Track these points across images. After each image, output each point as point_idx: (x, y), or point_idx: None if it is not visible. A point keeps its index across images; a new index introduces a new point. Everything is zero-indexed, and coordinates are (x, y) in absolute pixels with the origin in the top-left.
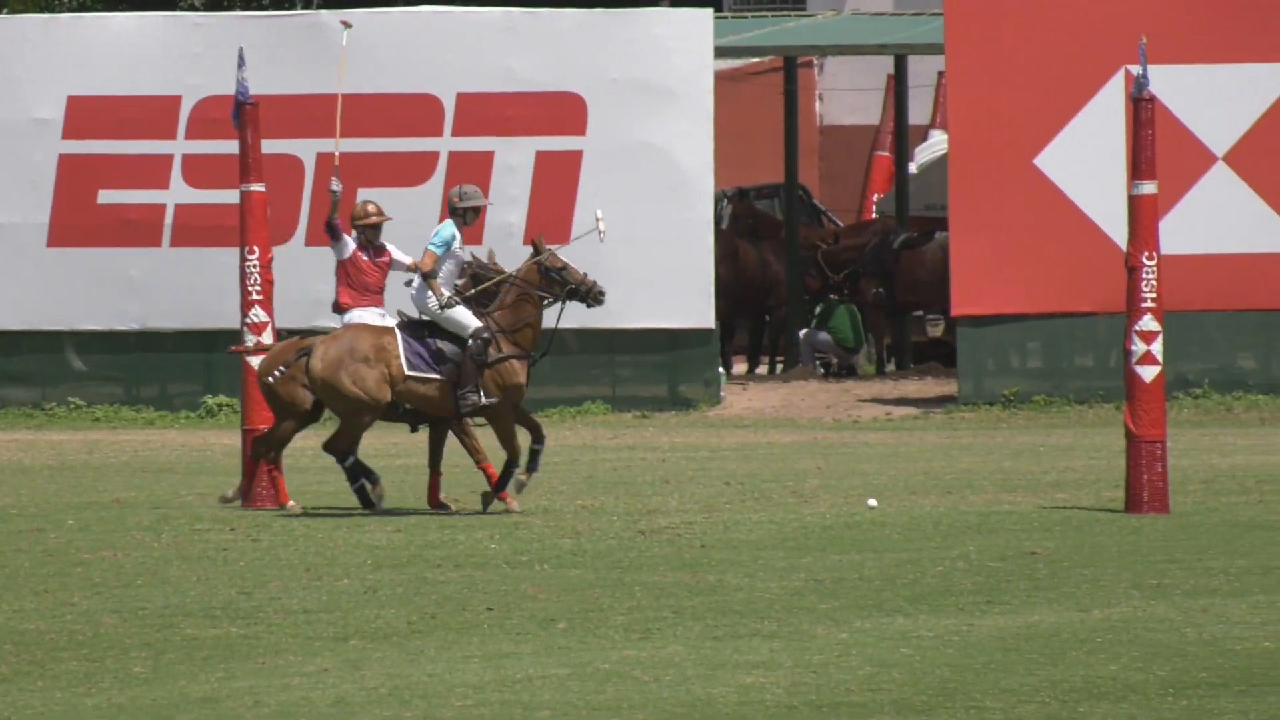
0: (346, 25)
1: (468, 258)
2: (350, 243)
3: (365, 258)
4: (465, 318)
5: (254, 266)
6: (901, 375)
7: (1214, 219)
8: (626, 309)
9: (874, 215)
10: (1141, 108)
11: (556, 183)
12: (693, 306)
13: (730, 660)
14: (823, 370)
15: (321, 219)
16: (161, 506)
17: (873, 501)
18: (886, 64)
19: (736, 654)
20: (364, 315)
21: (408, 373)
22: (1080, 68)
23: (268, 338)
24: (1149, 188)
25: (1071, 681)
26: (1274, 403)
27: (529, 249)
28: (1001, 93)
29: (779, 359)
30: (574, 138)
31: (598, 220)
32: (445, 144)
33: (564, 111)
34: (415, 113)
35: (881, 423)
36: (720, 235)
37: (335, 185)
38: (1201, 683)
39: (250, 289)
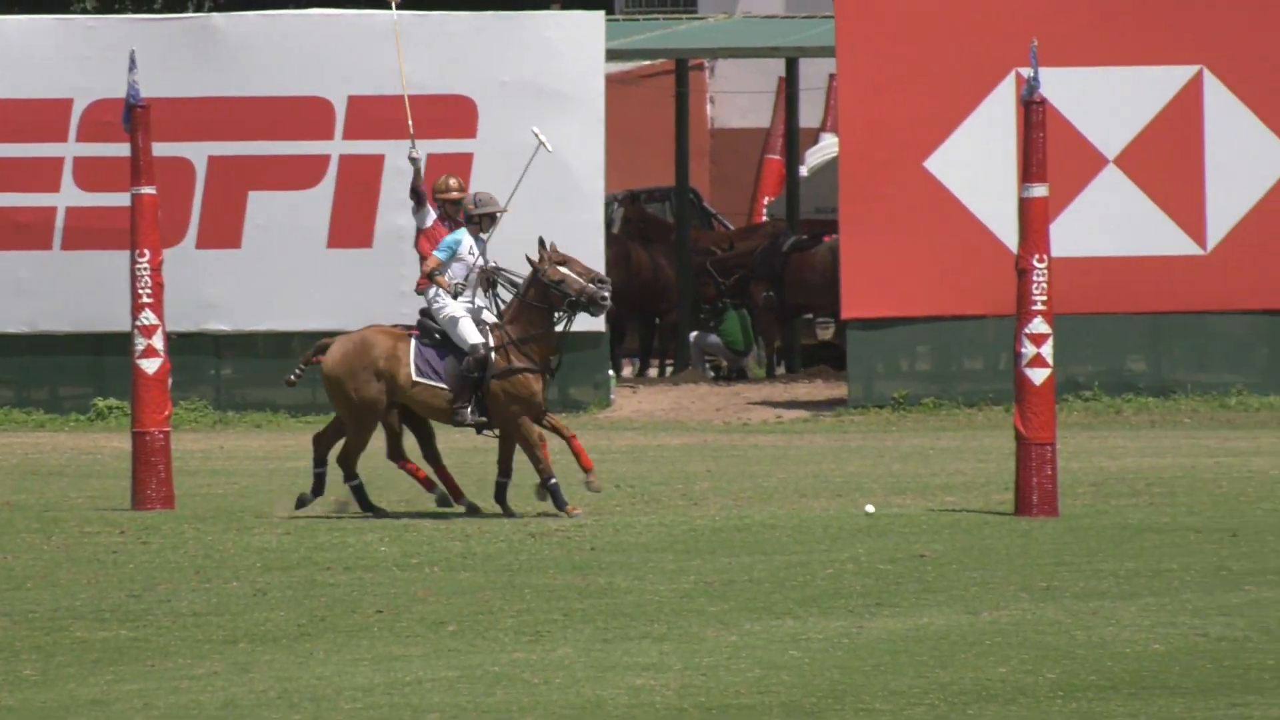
0: (395, 6)
1: (485, 263)
2: (432, 213)
3: (446, 229)
4: (468, 331)
5: (144, 269)
6: (791, 378)
7: (1105, 222)
8: None
9: (764, 218)
10: (1032, 110)
11: None
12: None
13: (620, 663)
14: (713, 373)
15: (214, 221)
16: (51, 509)
17: (870, 508)
18: (778, 67)
19: (626, 656)
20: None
21: (415, 379)
22: (971, 70)
23: (158, 341)
24: (1040, 190)
25: (961, 684)
26: (1163, 405)
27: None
28: (892, 96)
29: (669, 362)
30: (465, 140)
31: (536, 136)
32: (336, 147)
33: (454, 114)
34: (306, 116)
35: (771, 426)
36: (613, 239)
37: (415, 152)
38: (1091, 685)
39: (140, 292)
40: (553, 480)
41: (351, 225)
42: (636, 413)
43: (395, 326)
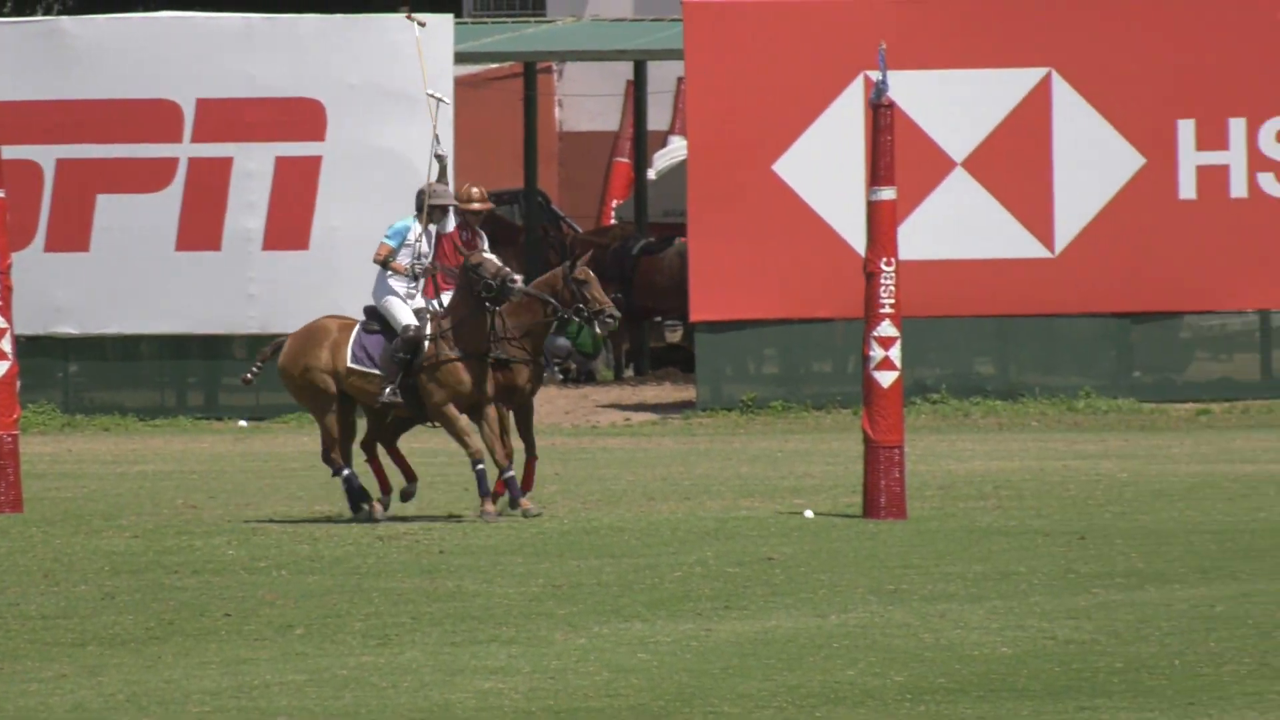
0: (419, 23)
1: (429, 256)
2: (452, 218)
3: (464, 238)
4: (400, 312)
5: None
6: (640, 381)
7: (953, 225)
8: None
9: (613, 221)
10: (880, 113)
11: (296, 188)
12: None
13: (468, 666)
14: (561, 376)
15: (62, 224)
16: None
17: (809, 513)
18: (626, 70)
19: (475, 660)
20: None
21: (350, 365)
22: (819, 73)
23: (6, 344)
24: (887, 193)
25: (809, 687)
26: (1011, 408)
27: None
28: (740, 98)
29: None
30: (313, 143)
31: (431, 96)
32: (185, 150)
33: (303, 117)
34: (154, 118)
35: (620, 428)
36: None
37: (439, 150)
38: (939, 688)
39: None
40: (480, 466)
41: (200, 228)
42: None
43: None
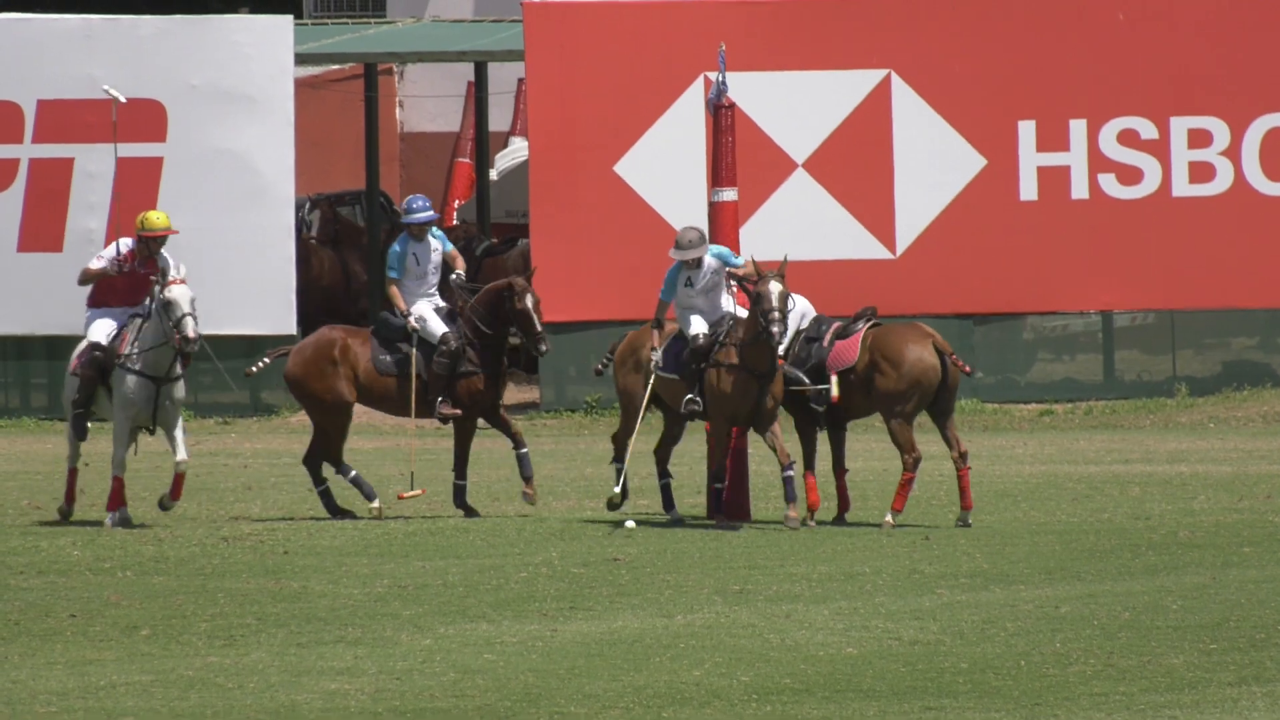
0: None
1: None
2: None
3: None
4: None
5: None
6: None
7: (794, 226)
8: (207, 315)
9: (455, 222)
10: (721, 115)
11: (137, 189)
12: (274, 313)
13: (314, 667)
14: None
15: None
16: None
17: (630, 523)
18: (467, 71)
19: (320, 661)
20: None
21: (660, 373)
22: (660, 75)
23: None
24: (729, 194)
25: (655, 687)
26: None
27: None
28: (582, 99)
29: None
30: (154, 144)
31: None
32: (26, 151)
33: (144, 118)
34: None
35: None
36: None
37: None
38: (785, 688)
39: None
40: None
41: (42, 229)
42: None
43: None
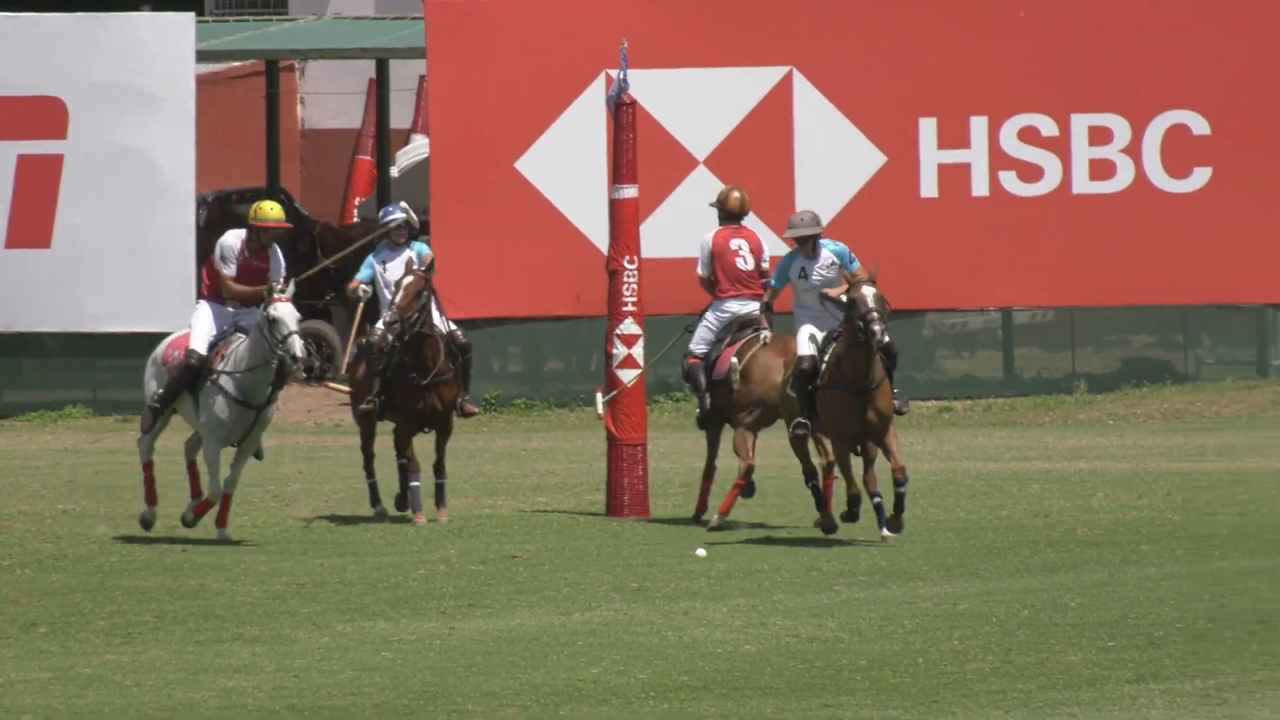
0: None
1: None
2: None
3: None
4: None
5: None
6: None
7: (696, 223)
8: (107, 312)
9: (356, 219)
10: (622, 112)
11: (37, 186)
12: (174, 310)
13: (212, 665)
14: (304, 374)
15: None
16: None
17: (701, 551)
18: (368, 68)
19: (218, 658)
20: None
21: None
22: (562, 72)
23: None
24: (629, 191)
25: (553, 684)
26: None
27: None
28: (483, 97)
29: None
30: (54, 141)
31: None
32: None
33: (44, 115)
34: None
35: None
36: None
37: None
38: (683, 685)
39: None
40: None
41: None
42: None
43: None
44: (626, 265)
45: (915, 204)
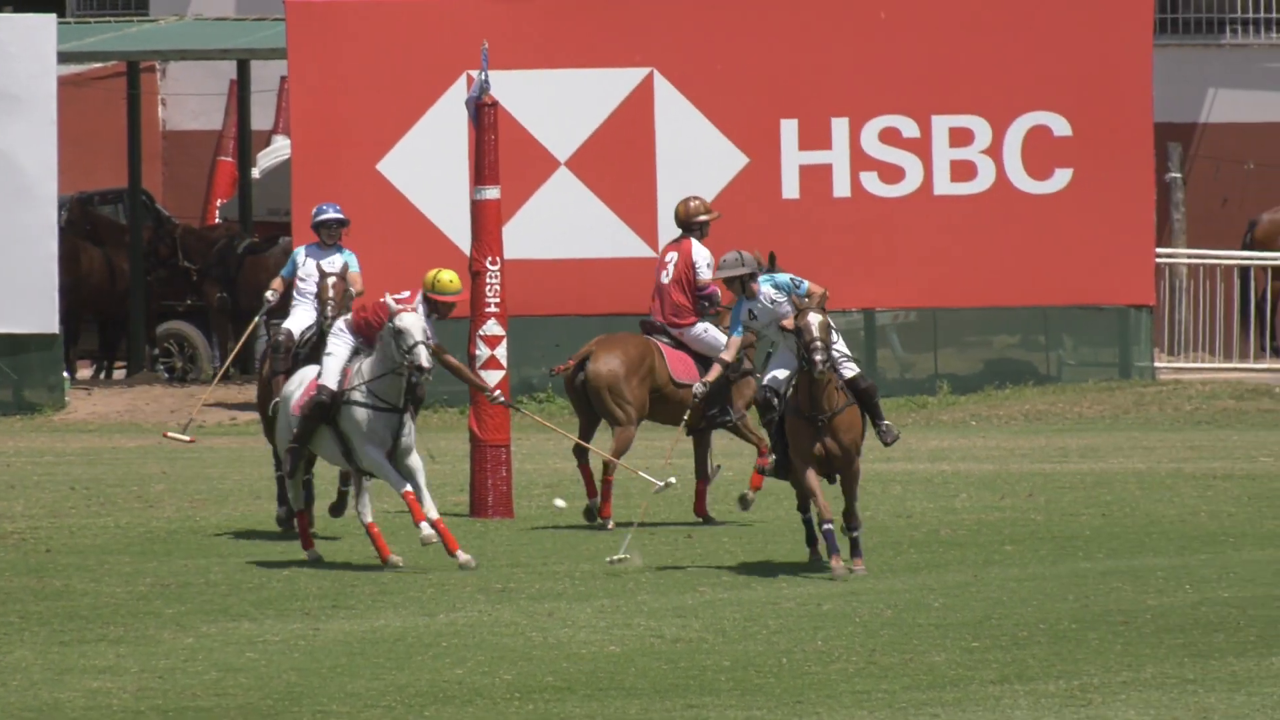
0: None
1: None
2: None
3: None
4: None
5: None
6: (246, 380)
7: (558, 224)
8: None
9: (218, 220)
10: (484, 113)
11: None
12: (35, 311)
13: (77, 665)
14: (168, 375)
15: None
16: None
17: (560, 502)
18: (229, 69)
19: (83, 659)
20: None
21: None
22: (423, 73)
23: None
24: (491, 193)
25: (418, 685)
26: None
27: None
28: (344, 98)
29: (120, 365)
30: None
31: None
32: None
33: None
34: None
35: (226, 428)
36: (63, 239)
37: None
38: (547, 686)
39: None
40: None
41: None
42: (91, 415)
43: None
44: (489, 266)
45: (777, 205)
